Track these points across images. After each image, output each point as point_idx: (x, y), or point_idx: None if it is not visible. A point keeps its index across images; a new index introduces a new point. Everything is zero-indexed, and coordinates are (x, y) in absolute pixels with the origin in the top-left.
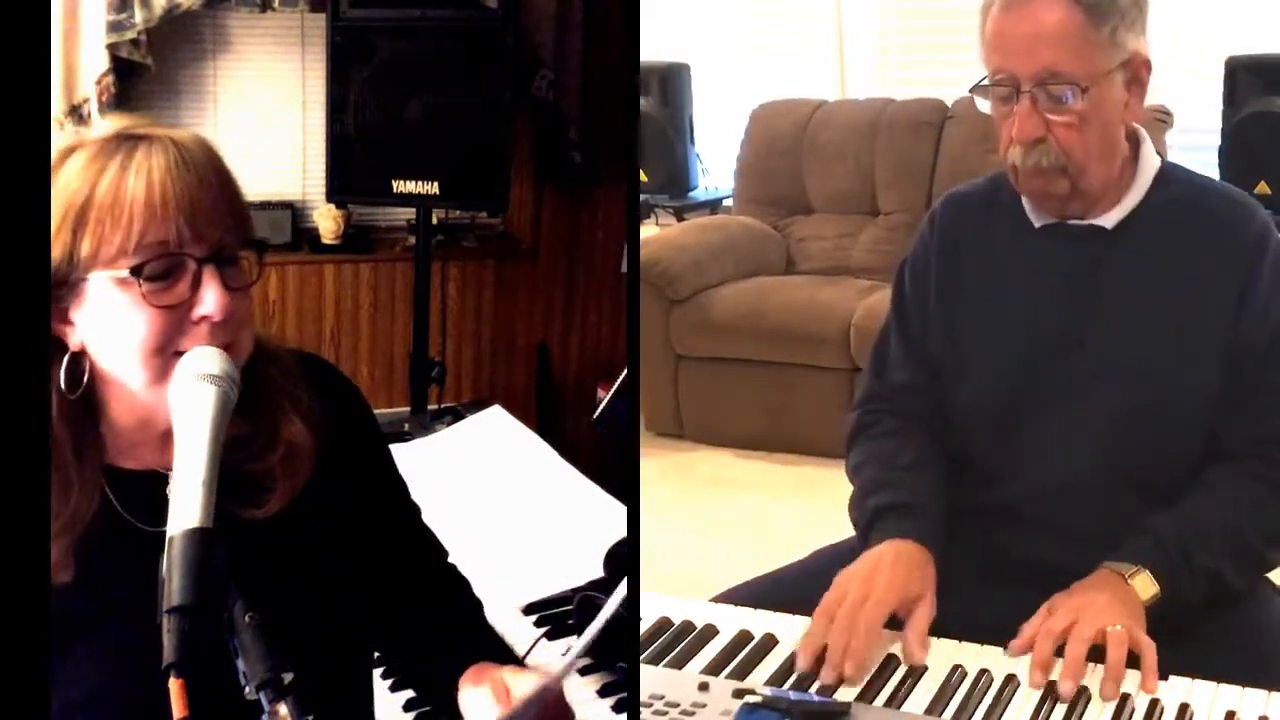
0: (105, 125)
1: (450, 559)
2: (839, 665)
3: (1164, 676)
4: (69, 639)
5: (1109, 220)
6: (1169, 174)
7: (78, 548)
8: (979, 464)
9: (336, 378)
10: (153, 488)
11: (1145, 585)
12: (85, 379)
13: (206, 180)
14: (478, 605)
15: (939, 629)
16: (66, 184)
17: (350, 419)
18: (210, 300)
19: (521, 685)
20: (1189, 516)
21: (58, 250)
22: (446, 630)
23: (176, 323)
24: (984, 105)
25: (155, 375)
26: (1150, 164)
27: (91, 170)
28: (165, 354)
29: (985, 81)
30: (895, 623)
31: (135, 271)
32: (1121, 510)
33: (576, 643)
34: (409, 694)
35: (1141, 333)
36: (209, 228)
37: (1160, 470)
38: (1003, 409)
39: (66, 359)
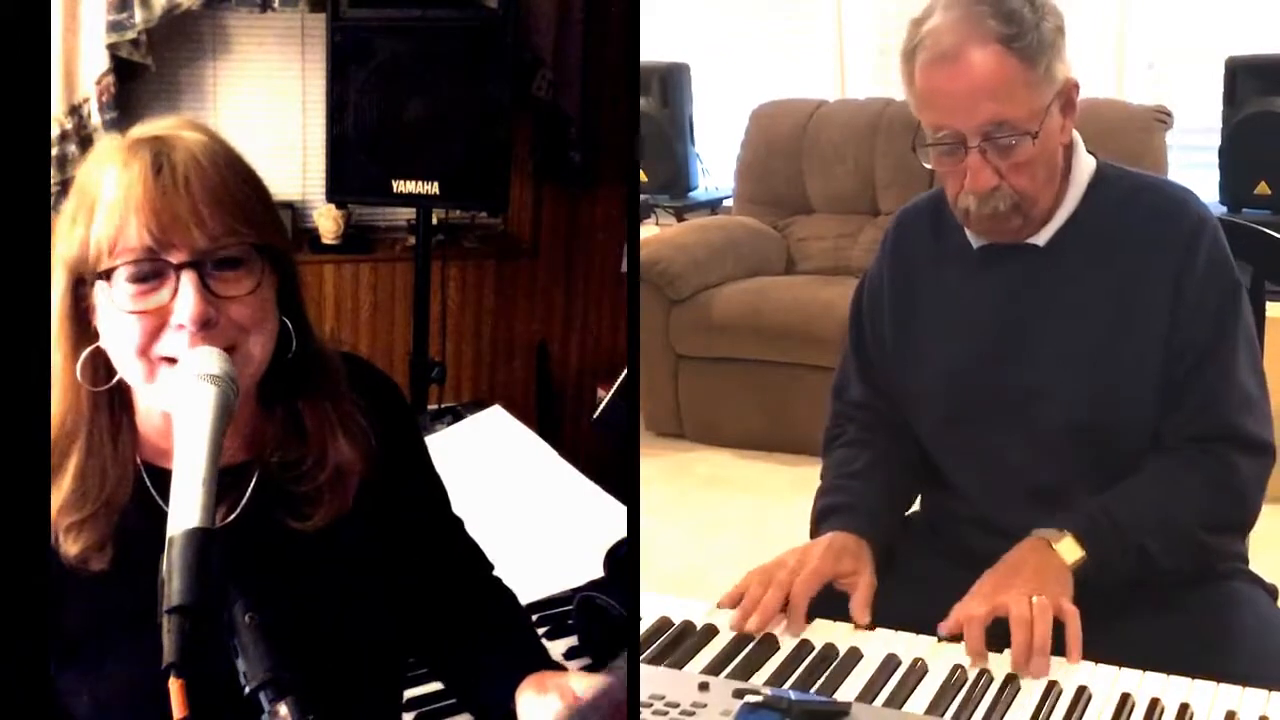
0: (136, 130)
1: (495, 572)
2: (769, 617)
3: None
4: (115, 635)
5: (1041, 238)
6: (1104, 175)
7: (118, 541)
8: (945, 473)
9: (380, 382)
10: None
11: (1070, 549)
12: (117, 374)
13: (187, 186)
14: (526, 618)
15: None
16: (80, 184)
17: (394, 426)
18: (184, 308)
19: (586, 688)
20: (1119, 492)
21: (75, 248)
22: (495, 645)
23: (157, 328)
24: (925, 161)
25: (143, 375)
26: (1084, 170)
27: (94, 174)
28: (148, 356)
29: (926, 140)
30: (895, 621)
31: (107, 275)
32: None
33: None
34: (409, 694)
35: (1080, 339)
36: (185, 234)
37: (1109, 470)
38: (953, 423)
39: (89, 352)
